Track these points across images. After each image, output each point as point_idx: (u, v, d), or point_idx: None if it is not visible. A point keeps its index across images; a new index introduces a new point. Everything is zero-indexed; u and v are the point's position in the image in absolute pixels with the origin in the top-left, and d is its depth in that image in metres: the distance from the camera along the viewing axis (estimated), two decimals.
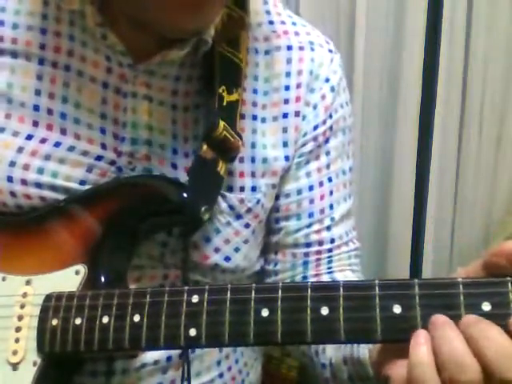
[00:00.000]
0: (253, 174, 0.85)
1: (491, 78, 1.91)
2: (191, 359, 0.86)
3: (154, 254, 0.82)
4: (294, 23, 0.91)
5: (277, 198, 0.89)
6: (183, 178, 0.82)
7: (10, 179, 0.79)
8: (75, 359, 0.77)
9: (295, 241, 0.90)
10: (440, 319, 0.58)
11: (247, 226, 0.86)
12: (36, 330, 0.72)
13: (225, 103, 0.80)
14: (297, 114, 0.87)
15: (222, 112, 0.80)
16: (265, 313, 0.63)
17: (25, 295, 0.75)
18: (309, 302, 0.62)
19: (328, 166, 0.90)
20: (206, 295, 0.65)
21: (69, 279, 0.75)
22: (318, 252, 0.91)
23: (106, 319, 0.68)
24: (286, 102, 0.87)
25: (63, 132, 0.80)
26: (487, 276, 0.60)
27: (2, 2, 0.82)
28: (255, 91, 0.86)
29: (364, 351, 0.75)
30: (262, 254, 0.93)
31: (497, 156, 1.97)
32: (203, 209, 0.77)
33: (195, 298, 0.66)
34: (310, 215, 0.90)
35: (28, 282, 0.76)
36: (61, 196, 0.80)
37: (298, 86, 0.87)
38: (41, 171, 0.79)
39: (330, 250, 0.91)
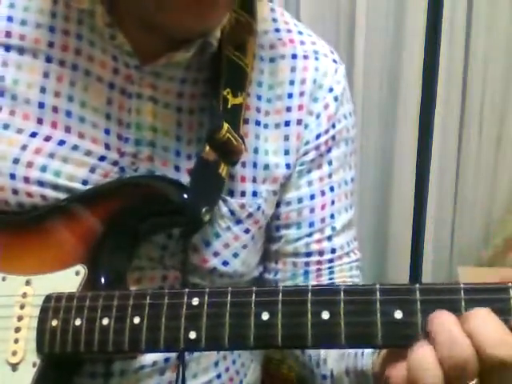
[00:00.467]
0: (254, 180, 0.85)
1: (491, 78, 1.92)
2: (188, 361, 0.85)
3: (153, 256, 0.82)
4: (300, 32, 0.91)
5: (278, 205, 0.89)
6: (185, 180, 0.81)
7: (12, 176, 0.79)
8: (75, 360, 0.76)
9: (295, 250, 0.90)
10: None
11: (247, 231, 0.86)
12: (36, 330, 0.72)
13: (229, 106, 0.80)
14: (299, 122, 0.86)
15: (226, 114, 0.79)
16: (265, 316, 0.63)
17: (24, 295, 0.75)
18: (309, 305, 0.62)
19: (330, 176, 0.90)
20: (206, 298, 0.65)
21: (69, 280, 0.75)
22: (319, 262, 0.90)
23: (105, 321, 0.68)
24: (289, 109, 0.86)
25: (67, 130, 0.80)
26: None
27: None
28: (259, 97, 0.86)
29: (368, 362, 0.74)
30: (261, 261, 0.93)
31: (497, 156, 1.97)
32: (204, 210, 0.76)
33: (195, 301, 0.65)
34: (311, 224, 0.89)
35: (28, 282, 0.76)
36: (62, 195, 0.80)
37: (301, 94, 0.87)
38: (44, 169, 0.79)
39: (331, 261, 0.91)
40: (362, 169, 1.99)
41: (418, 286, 0.60)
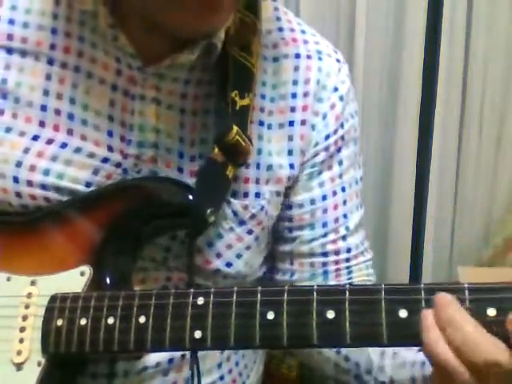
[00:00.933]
0: (257, 181, 0.85)
1: (491, 78, 1.92)
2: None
3: (156, 257, 0.82)
4: (303, 31, 0.91)
5: (289, 207, 0.89)
6: (188, 181, 0.81)
7: (16, 180, 0.79)
8: (79, 360, 0.77)
9: (311, 250, 0.90)
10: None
11: (250, 232, 0.85)
12: (40, 330, 0.72)
13: (238, 107, 0.80)
14: (303, 122, 0.86)
15: (234, 116, 0.79)
16: (270, 316, 0.63)
17: (29, 296, 0.75)
18: (315, 305, 0.62)
19: (341, 176, 0.90)
20: (211, 297, 0.65)
21: (74, 280, 0.75)
22: (337, 262, 0.90)
23: (111, 320, 0.68)
24: (293, 110, 0.86)
25: (70, 133, 0.80)
26: None
27: (13, 0, 0.82)
28: (263, 97, 0.86)
29: None
30: (265, 262, 0.93)
31: (497, 156, 1.97)
32: (209, 211, 0.76)
33: (201, 300, 0.66)
34: (324, 225, 0.89)
35: (33, 283, 0.76)
36: (66, 198, 0.80)
37: (306, 94, 0.87)
38: (47, 172, 0.79)
39: (347, 260, 0.91)
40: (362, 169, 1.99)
41: (422, 285, 0.60)
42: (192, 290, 0.67)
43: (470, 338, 0.57)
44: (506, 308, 0.58)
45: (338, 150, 0.89)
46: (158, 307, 0.67)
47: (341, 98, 0.88)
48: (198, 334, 0.65)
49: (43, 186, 0.79)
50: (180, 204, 0.77)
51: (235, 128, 0.78)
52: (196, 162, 0.82)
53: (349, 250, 0.91)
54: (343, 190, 0.90)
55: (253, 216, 0.84)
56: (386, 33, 1.94)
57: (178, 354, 0.84)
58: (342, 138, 0.89)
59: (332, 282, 0.90)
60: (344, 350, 0.89)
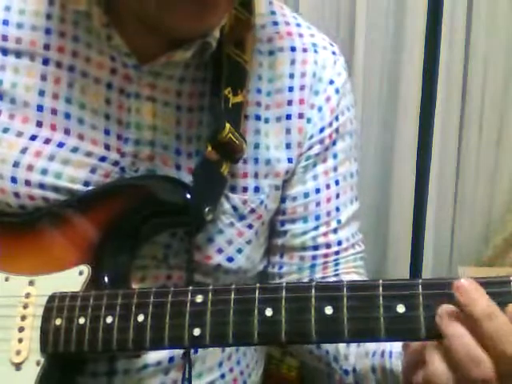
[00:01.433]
0: (256, 175, 0.85)
1: (491, 78, 1.92)
2: (193, 360, 0.85)
3: (157, 255, 0.82)
4: (298, 24, 0.91)
5: (283, 200, 0.89)
6: (186, 178, 0.81)
7: (13, 180, 0.79)
8: (79, 359, 0.77)
9: (302, 244, 0.90)
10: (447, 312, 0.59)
11: (250, 226, 0.86)
12: (39, 330, 0.72)
13: (230, 105, 0.80)
14: (300, 115, 0.86)
15: (227, 114, 0.79)
16: (269, 312, 0.63)
17: (28, 296, 0.75)
18: (313, 301, 0.62)
19: (335, 169, 0.90)
20: (210, 295, 0.65)
21: (72, 280, 0.75)
22: (326, 255, 0.91)
23: (109, 319, 0.68)
24: (290, 103, 0.86)
25: (67, 132, 0.80)
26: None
27: (6, 1, 0.82)
28: (259, 91, 0.86)
29: (397, 362, 0.75)
30: (265, 255, 0.93)
31: (497, 156, 1.97)
32: (207, 209, 0.76)
33: (199, 298, 0.66)
34: (317, 218, 0.89)
35: (31, 283, 0.76)
36: (64, 197, 0.80)
37: (302, 87, 0.87)
38: (44, 172, 0.79)
39: (337, 253, 0.91)
40: (362, 168, 1.98)
41: (420, 280, 0.60)
42: (190, 288, 0.67)
43: (504, 329, 0.56)
44: (502, 302, 0.58)
45: (333, 143, 0.89)
46: (157, 305, 0.67)
47: (336, 91, 0.89)
48: (196, 332, 0.65)
49: (41, 186, 0.79)
50: (178, 202, 0.77)
51: (228, 126, 0.78)
52: (193, 158, 0.82)
53: (339, 243, 0.91)
54: (337, 183, 0.90)
55: (252, 210, 0.85)
56: (386, 33, 1.94)
57: (178, 352, 0.84)
58: (337, 130, 0.89)
59: (319, 274, 0.91)
60: None
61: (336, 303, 0.62)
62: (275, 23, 0.89)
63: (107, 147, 0.81)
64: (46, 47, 0.81)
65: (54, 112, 0.80)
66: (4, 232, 0.81)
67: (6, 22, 0.81)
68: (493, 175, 1.98)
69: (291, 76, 0.87)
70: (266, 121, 0.86)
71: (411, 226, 1.98)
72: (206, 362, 0.88)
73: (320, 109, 0.87)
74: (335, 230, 0.90)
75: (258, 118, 0.85)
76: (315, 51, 0.89)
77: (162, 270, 0.83)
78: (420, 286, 0.60)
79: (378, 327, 0.60)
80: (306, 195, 0.89)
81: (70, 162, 0.79)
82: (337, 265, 0.91)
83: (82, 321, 0.70)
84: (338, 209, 0.90)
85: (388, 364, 0.77)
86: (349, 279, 0.88)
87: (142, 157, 0.81)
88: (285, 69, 0.87)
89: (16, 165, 0.79)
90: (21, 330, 0.74)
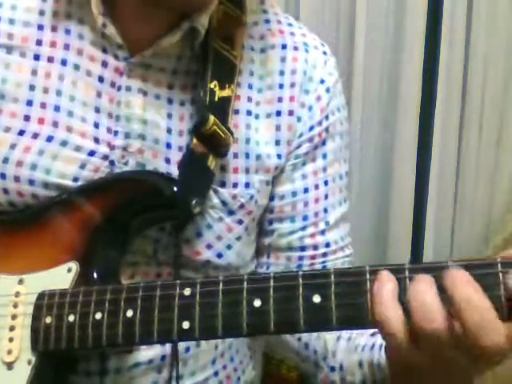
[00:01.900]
0: (247, 170, 0.85)
1: (491, 78, 1.91)
2: (186, 358, 0.86)
3: (147, 250, 0.82)
4: (290, 24, 0.92)
5: (271, 198, 0.89)
6: (176, 172, 0.82)
7: (3, 176, 0.79)
8: (70, 357, 0.77)
9: (289, 244, 0.90)
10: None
11: (240, 222, 0.86)
12: (30, 328, 0.72)
13: (216, 98, 0.80)
14: (290, 113, 0.87)
15: (212, 107, 0.80)
16: (257, 303, 0.63)
17: (17, 294, 0.75)
18: (301, 290, 0.62)
19: (324, 169, 0.90)
20: (198, 288, 0.65)
21: (61, 277, 0.75)
22: (313, 256, 0.91)
23: (99, 315, 0.68)
24: (280, 100, 0.87)
25: (55, 125, 0.80)
26: None
27: None
28: (250, 86, 0.86)
29: (384, 355, 0.75)
30: (255, 254, 0.93)
31: (497, 156, 1.96)
32: (194, 202, 0.76)
33: (187, 291, 0.66)
34: (305, 218, 0.90)
35: (21, 281, 0.76)
36: (53, 193, 0.80)
37: (292, 85, 0.87)
38: (34, 167, 0.79)
39: (324, 255, 0.91)
40: (362, 169, 1.99)
41: (407, 265, 0.60)
42: (178, 281, 0.67)
43: (485, 320, 0.56)
44: (490, 284, 0.58)
45: (323, 143, 0.89)
46: (145, 300, 0.67)
47: (327, 90, 0.89)
48: (185, 325, 0.65)
49: (31, 182, 0.79)
50: (165, 196, 0.77)
51: (212, 118, 0.78)
52: (183, 151, 0.82)
53: (327, 245, 0.91)
54: (326, 183, 0.90)
55: (242, 205, 0.85)
56: (386, 33, 1.94)
57: (170, 351, 0.84)
58: (327, 130, 0.89)
59: None
60: (304, 338, 0.90)
61: (324, 291, 0.62)
62: (267, 21, 0.90)
63: (96, 140, 0.81)
64: (39, 43, 0.81)
65: (43, 106, 0.81)
66: None
67: None
68: (493, 175, 1.97)
69: (281, 73, 0.87)
70: (257, 117, 0.86)
71: (411, 226, 1.98)
72: (198, 360, 0.88)
73: (310, 108, 0.88)
74: (323, 232, 0.91)
75: (248, 113, 0.86)
76: (306, 50, 0.90)
77: (152, 266, 0.83)
78: (407, 271, 0.60)
79: (365, 314, 0.60)
80: (294, 194, 0.89)
81: (59, 156, 0.80)
82: (324, 267, 0.91)
83: (71, 318, 0.70)
84: (326, 210, 0.91)
85: (376, 358, 0.77)
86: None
87: (131, 150, 0.81)
88: (275, 66, 0.87)
89: (5, 161, 0.79)
90: (11, 329, 0.74)
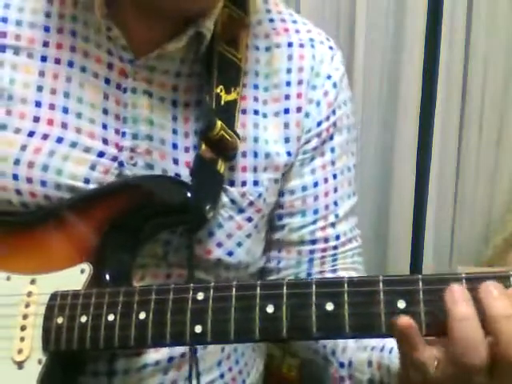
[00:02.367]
0: (255, 169, 0.86)
1: (491, 78, 1.92)
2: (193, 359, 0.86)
3: (157, 252, 0.82)
4: (294, 21, 0.92)
5: (281, 194, 0.90)
6: (184, 173, 0.82)
7: (15, 177, 0.79)
8: (80, 357, 0.77)
9: (300, 238, 0.91)
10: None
11: (250, 219, 0.86)
12: (41, 328, 0.72)
13: (223, 103, 0.81)
14: (298, 110, 0.87)
15: (219, 112, 0.80)
16: (270, 309, 0.63)
17: (30, 294, 0.75)
18: (314, 298, 0.62)
19: (333, 163, 0.91)
20: (211, 292, 0.65)
21: (74, 278, 0.75)
22: (324, 249, 0.91)
23: (111, 317, 0.68)
24: (287, 97, 0.87)
25: (64, 126, 0.80)
26: None
27: None
28: (256, 86, 0.87)
29: (396, 361, 0.74)
30: (265, 250, 0.93)
31: (497, 156, 1.97)
32: (207, 207, 0.77)
33: (200, 296, 0.66)
34: (315, 212, 0.90)
35: (33, 281, 0.76)
36: (66, 195, 0.80)
37: (300, 82, 0.88)
38: (45, 168, 0.79)
39: (335, 248, 0.92)
40: (361, 168, 1.99)
41: (420, 276, 0.61)
42: (192, 285, 0.67)
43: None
44: None
45: (331, 137, 0.90)
46: (158, 303, 0.67)
47: (334, 85, 0.90)
48: (198, 329, 0.65)
49: (43, 183, 0.79)
50: (179, 201, 0.77)
51: (219, 123, 0.78)
52: (190, 153, 0.83)
53: (337, 237, 0.92)
54: (335, 177, 0.91)
55: (251, 203, 0.85)
56: (386, 33, 1.94)
57: (177, 352, 0.84)
58: (334, 124, 0.90)
59: (316, 268, 0.92)
60: None
61: (337, 299, 0.62)
62: (271, 20, 0.90)
63: (105, 141, 0.81)
64: (45, 44, 0.81)
65: (51, 107, 0.81)
66: (5, 231, 0.82)
67: (5, 20, 0.82)
68: (493, 175, 1.98)
69: (288, 71, 0.88)
70: (265, 115, 0.86)
71: (411, 226, 1.98)
72: (205, 362, 0.88)
73: (318, 103, 0.88)
74: (333, 224, 0.91)
75: (256, 112, 0.86)
76: (312, 46, 0.90)
77: (162, 268, 0.83)
78: (420, 282, 0.60)
79: (378, 323, 0.61)
80: (304, 189, 0.89)
81: (70, 157, 0.80)
82: (335, 260, 0.92)
83: (83, 319, 0.70)
84: (335, 203, 0.91)
85: (386, 359, 0.78)
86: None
87: (139, 151, 0.81)
88: (282, 64, 0.88)
89: (17, 162, 0.79)
90: (23, 328, 0.74)
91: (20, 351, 0.73)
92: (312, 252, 0.91)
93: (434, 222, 1.98)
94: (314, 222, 0.90)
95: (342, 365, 0.87)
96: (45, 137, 0.80)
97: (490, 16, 1.87)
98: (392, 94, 1.96)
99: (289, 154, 0.87)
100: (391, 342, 0.77)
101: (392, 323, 0.60)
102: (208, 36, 0.80)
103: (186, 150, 0.83)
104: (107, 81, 0.81)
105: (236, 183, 0.85)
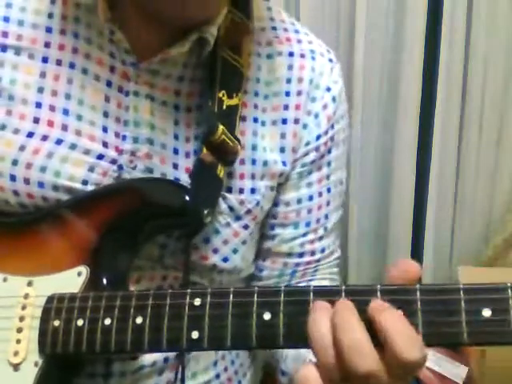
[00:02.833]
0: (253, 176, 0.85)
1: (491, 78, 1.92)
2: (188, 360, 0.86)
3: (153, 255, 0.82)
4: (296, 31, 0.92)
5: (276, 204, 0.90)
6: (184, 178, 0.82)
7: (13, 178, 0.79)
8: (77, 360, 0.77)
9: (290, 249, 0.91)
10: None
11: (246, 227, 0.86)
12: (37, 330, 0.72)
13: (224, 107, 0.81)
14: (296, 121, 0.87)
15: (221, 116, 0.80)
16: (267, 316, 0.63)
17: (26, 296, 0.75)
18: (311, 305, 0.62)
19: (328, 177, 0.91)
20: (208, 298, 0.65)
21: (71, 280, 0.74)
22: (308, 262, 0.92)
23: (108, 321, 0.68)
24: (286, 107, 0.87)
25: (64, 128, 0.80)
26: None
27: None
28: (256, 94, 0.86)
29: None
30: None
31: (497, 156, 1.97)
32: (206, 212, 0.77)
33: (197, 301, 0.66)
34: (307, 224, 0.91)
35: (30, 283, 0.76)
36: (63, 196, 0.80)
37: (299, 93, 0.87)
38: (43, 170, 0.79)
39: (318, 260, 0.93)
40: (362, 169, 1.99)
41: (418, 286, 0.60)
42: (189, 291, 0.66)
43: (355, 345, 0.56)
44: (500, 309, 0.58)
45: (329, 151, 0.90)
46: (155, 308, 0.67)
47: (333, 99, 0.89)
48: (195, 335, 0.65)
49: (40, 184, 0.79)
50: (177, 205, 0.77)
51: (221, 128, 0.78)
52: (191, 158, 0.83)
53: (323, 250, 0.93)
54: (328, 190, 0.91)
55: (248, 211, 0.85)
56: (386, 33, 1.94)
57: (173, 353, 0.84)
58: (332, 138, 0.90)
59: (296, 280, 0.92)
60: None
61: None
62: (274, 28, 0.90)
63: (105, 144, 0.81)
64: (47, 45, 0.81)
65: (52, 109, 0.80)
66: (2, 232, 0.81)
67: (6, 19, 0.81)
68: (493, 175, 1.98)
69: (288, 81, 0.87)
70: (263, 123, 0.86)
71: (411, 226, 1.98)
72: (200, 362, 0.88)
73: (316, 115, 0.88)
74: (321, 238, 0.92)
75: (255, 120, 0.86)
76: (313, 58, 0.90)
77: (158, 270, 0.83)
78: (418, 292, 0.60)
79: None
80: (299, 201, 0.90)
81: (69, 159, 0.79)
82: (315, 271, 0.93)
83: (80, 322, 0.69)
84: (326, 216, 0.92)
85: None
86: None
87: (139, 155, 0.81)
88: (282, 73, 0.87)
89: (15, 163, 0.79)
90: (19, 330, 0.74)
91: (16, 353, 0.73)
92: (297, 265, 0.92)
93: (434, 221, 1.98)
94: (305, 235, 0.91)
95: (283, 373, 0.90)
96: (44, 138, 0.80)
97: (489, 16, 1.87)
98: (392, 94, 1.97)
99: (284, 163, 0.87)
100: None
101: None
102: (211, 41, 0.80)
103: (187, 155, 0.83)
104: (109, 83, 0.81)
105: (234, 190, 0.85)
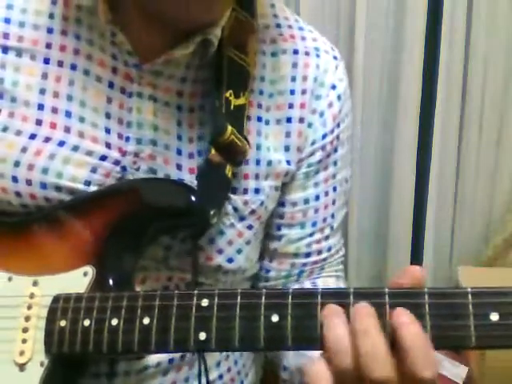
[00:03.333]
0: (257, 176, 0.85)
1: (491, 78, 1.92)
2: (193, 360, 0.86)
3: (158, 256, 0.82)
4: (300, 28, 0.91)
5: (282, 204, 0.89)
6: (187, 178, 0.82)
7: (15, 179, 0.79)
8: (82, 360, 0.76)
9: (297, 250, 0.91)
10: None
11: (250, 227, 0.86)
12: (43, 330, 0.72)
13: (232, 107, 0.80)
14: (301, 120, 0.87)
15: (229, 116, 0.79)
16: (275, 318, 0.63)
17: (32, 296, 0.75)
18: (319, 308, 0.62)
19: (334, 176, 0.91)
20: (216, 299, 0.65)
21: (77, 280, 0.74)
22: (315, 262, 0.92)
23: (115, 321, 0.68)
24: (291, 106, 0.86)
25: (67, 130, 0.80)
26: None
27: None
28: (261, 92, 0.86)
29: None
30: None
31: (497, 156, 1.97)
32: (212, 212, 0.76)
33: (205, 302, 0.65)
34: (314, 224, 0.90)
35: (35, 283, 0.76)
36: (66, 197, 0.79)
37: (304, 92, 0.87)
38: (45, 171, 0.79)
39: (324, 259, 0.93)
40: (362, 169, 1.99)
41: (426, 289, 0.60)
42: (196, 292, 0.66)
43: (374, 351, 0.57)
44: (508, 312, 0.58)
45: (335, 150, 0.90)
46: (162, 308, 0.66)
47: (339, 97, 0.89)
48: (202, 336, 0.64)
49: (42, 185, 0.79)
50: (184, 205, 0.77)
51: (230, 128, 0.78)
52: (194, 159, 0.82)
53: (329, 249, 0.93)
54: (335, 189, 0.91)
55: (253, 211, 0.85)
56: (386, 33, 1.94)
57: (178, 354, 0.84)
58: (338, 137, 0.90)
59: (303, 279, 0.92)
60: None
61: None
62: (278, 25, 0.89)
63: (108, 146, 0.80)
64: (48, 46, 0.80)
65: (54, 110, 0.80)
66: (7, 232, 0.81)
67: (7, 20, 0.81)
68: (493, 175, 1.98)
69: (293, 79, 0.87)
70: (267, 122, 0.86)
71: (411, 226, 1.98)
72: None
73: (322, 114, 0.88)
74: (327, 237, 0.92)
75: (259, 119, 0.85)
76: (317, 55, 0.89)
77: (163, 271, 0.83)
78: (426, 296, 0.60)
79: None
80: (306, 201, 0.89)
81: (71, 160, 0.79)
82: (321, 269, 0.93)
83: (86, 323, 0.69)
84: (332, 215, 0.92)
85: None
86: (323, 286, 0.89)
87: (143, 156, 0.81)
88: (287, 71, 0.87)
89: (17, 164, 0.79)
90: (25, 330, 0.73)
91: (22, 353, 0.73)
92: (304, 265, 0.92)
93: (434, 221, 1.98)
94: (312, 235, 0.91)
95: (284, 368, 0.89)
96: (46, 140, 0.79)
97: (489, 16, 1.88)
98: (392, 94, 1.97)
99: (288, 162, 0.87)
100: None
101: None
102: (215, 43, 0.80)
103: (190, 156, 0.83)
104: (111, 85, 0.81)
105: (238, 191, 0.84)
